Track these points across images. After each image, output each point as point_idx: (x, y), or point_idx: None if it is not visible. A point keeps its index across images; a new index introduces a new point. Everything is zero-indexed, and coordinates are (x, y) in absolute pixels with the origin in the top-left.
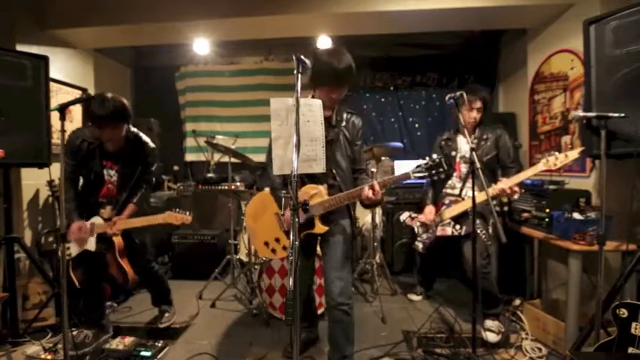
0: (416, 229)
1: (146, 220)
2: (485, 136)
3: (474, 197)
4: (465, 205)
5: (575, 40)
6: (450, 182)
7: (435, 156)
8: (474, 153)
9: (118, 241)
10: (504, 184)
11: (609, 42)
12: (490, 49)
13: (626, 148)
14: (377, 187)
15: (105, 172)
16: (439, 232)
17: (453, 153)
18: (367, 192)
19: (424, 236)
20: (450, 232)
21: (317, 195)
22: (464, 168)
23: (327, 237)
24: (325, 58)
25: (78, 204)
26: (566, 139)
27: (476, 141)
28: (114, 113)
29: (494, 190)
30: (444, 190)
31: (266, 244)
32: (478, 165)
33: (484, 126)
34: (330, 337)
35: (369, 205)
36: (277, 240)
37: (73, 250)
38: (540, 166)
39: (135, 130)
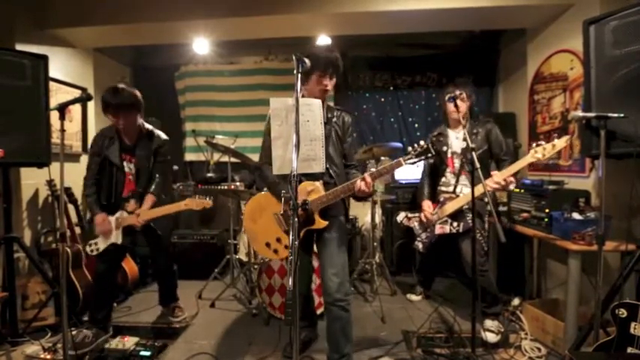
0: (414, 229)
1: (169, 209)
2: (475, 131)
3: (473, 196)
4: (461, 201)
5: (574, 40)
6: (444, 179)
7: (422, 142)
8: (473, 153)
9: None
10: (498, 177)
11: (609, 42)
12: (490, 49)
13: (626, 148)
14: (368, 180)
15: (125, 165)
16: (438, 230)
17: (445, 148)
18: (360, 184)
19: (423, 235)
20: (448, 230)
21: (314, 191)
22: (457, 163)
23: (323, 234)
24: (317, 49)
25: (99, 198)
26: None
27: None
28: (127, 100)
29: (489, 186)
30: (438, 188)
31: (267, 244)
32: (477, 165)
33: (474, 121)
34: (328, 336)
35: (362, 198)
36: (279, 240)
37: (101, 244)
38: (529, 158)
39: (149, 126)
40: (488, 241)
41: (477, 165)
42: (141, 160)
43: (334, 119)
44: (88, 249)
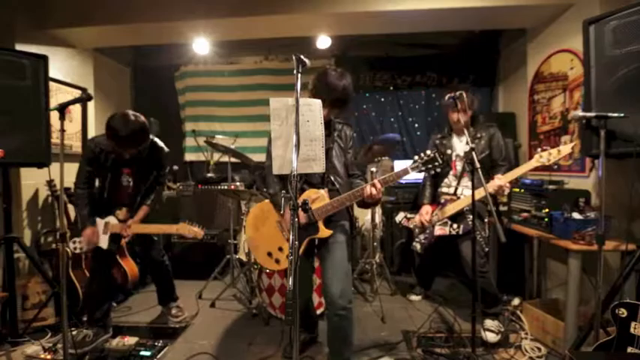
0: (413, 230)
1: (159, 229)
2: (478, 135)
3: (473, 197)
4: (462, 203)
5: (574, 40)
6: (446, 180)
7: (428, 151)
8: (473, 153)
9: (122, 242)
10: (501, 181)
11: (609, 42)
12: (490, 49)
13: (626, 148)
14: (378, 185)
15: (123, 178)
16: (437, 231)
17: (449, 151)
18: (369, 190)
19: (421, 237)
20: (447, 232)
21: (319, 199)
22: (459, 166)
23: (326, 239)
24: (324, 84)
25: (92, 209)
26: (565, 139)
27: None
28: (135, 135)
29: (491, 187)
30: (439, 190)
31: (269, 254)
32: (477, 165)
33: (477, 125)
34: (329, 340)
35: (370, 203)
36: (280, 249)
37: (84, 247)
38: (533, 163)
39: (150, 135)
40: (489, 243)
41: (477, 165)
42: (140, 172)
43: (336, 133)
44: (72, 246)
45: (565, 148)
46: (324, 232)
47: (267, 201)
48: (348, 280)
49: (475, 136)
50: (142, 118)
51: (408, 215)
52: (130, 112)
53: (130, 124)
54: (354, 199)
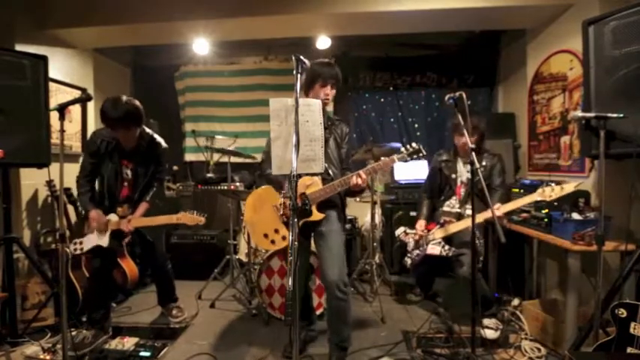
0: (408, 245)
1: (160, 220)
2: (483, 163)
3: (473, 201)
4: (461, 225)
5: (574, 40)
6: (448, 202)
7: (414, 144)
8: (473, 153)
9: (124, 240)
10: (500, 211)
11: (608, 42)
12: (490, 50)
13: (625, 149)
14: (363, 176)
15: (123, 170)
16: (429, 250)
17: (453, 176)
18: (355, 180)
19: (414, 253)
20: (438, 252)
21: (313, 185)
22: (463, 191)
23: (321, 227)
24: (316, 66)
25: (94, 198)
26: (565, 140)
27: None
28: (126, 116)
29: (488, 215)
30: (441, 209)
31: (265, 235)
32: (477, 165)
33: (482, 153)
34: (329, 321)
35: (356, 192)
36: (276, 231)
37: (86, 244)
38: (535, 196)
39: (150, 131)
40: (486, 252)
41: (477, 165)
42: (140, 167)
43: (333, 127)
44: (72, 247)
45: (568, 187)
46: (316, 215)
47: (264, 187)
48: (344, 265)
49: (480, 162)
50: (135, 102)
51: (408, 230)
52: (124, 96)
53: (120, 107)
54: (344, 185)
